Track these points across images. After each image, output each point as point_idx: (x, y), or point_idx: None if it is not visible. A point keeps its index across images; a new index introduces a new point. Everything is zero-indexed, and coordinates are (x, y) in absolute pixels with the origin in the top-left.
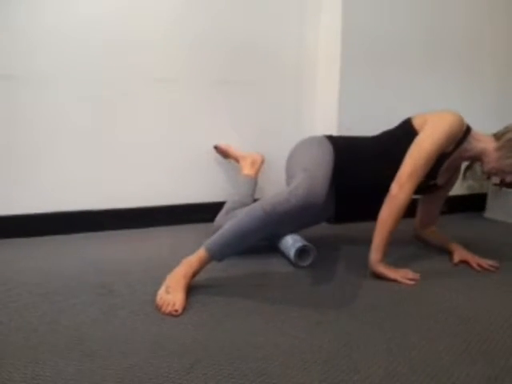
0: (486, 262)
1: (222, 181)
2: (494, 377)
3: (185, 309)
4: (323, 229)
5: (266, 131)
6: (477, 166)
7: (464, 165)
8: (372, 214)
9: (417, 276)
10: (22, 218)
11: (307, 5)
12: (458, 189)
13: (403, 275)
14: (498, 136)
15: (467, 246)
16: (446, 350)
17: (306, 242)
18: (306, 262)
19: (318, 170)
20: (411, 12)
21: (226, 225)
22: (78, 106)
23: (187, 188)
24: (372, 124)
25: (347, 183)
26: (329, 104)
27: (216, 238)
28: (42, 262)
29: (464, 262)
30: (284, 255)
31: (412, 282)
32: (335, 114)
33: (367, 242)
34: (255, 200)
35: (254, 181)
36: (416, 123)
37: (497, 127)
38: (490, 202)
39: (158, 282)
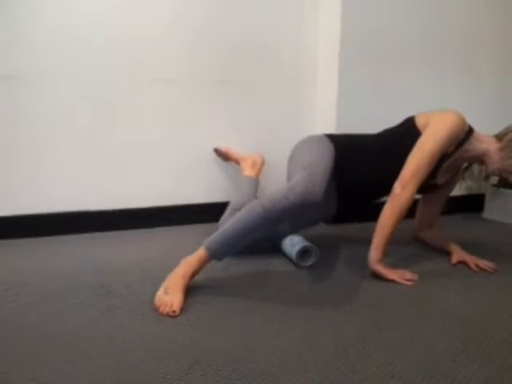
0: (484, 263)
1: (222, 181)
2: (491, 377)
3: (183, 309)
4: (323, 229)
5: (265, 131)
6: (475, 167)
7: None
8: (373, 213)
9: (415, 277)
10: (20, 218)
11: (306, 4)
12: (457, 189)
13: (401, 276)
14: (499, 137)
15: (465, 246)
16: (444, 351)
17: (308, 243)
18: (308, 263)
19: (317, 168)
20: (410, 11)
21: (225, 224)
22: (78, 105)
23: (187, 188)
24: (371, 123)
25: (349, 181)
26: (328, 103)
27: (215, 236)
28: (41, 263)
29: (462, 263)
30: (286, 255)
31: (410, 283)
32: (334, 113)
33: (367, 242)
34: None
35: (255, 181)
36: (419, 122)
37: (495, 126)
38: (488, 203)
39: (157, 282)
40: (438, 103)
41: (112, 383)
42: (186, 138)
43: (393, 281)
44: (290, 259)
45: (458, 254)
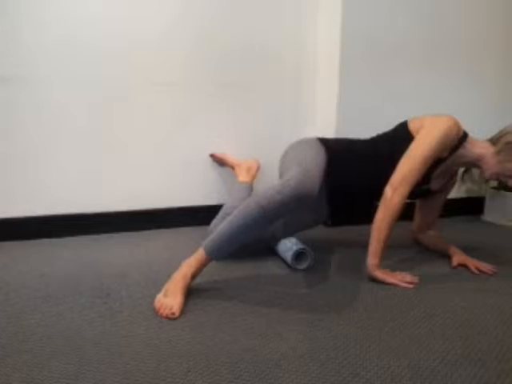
0: (485, 266)
1: (222, 184)
2: (491, 381)
3: (183, 312)
4: (321, 231)
5: (265, 133)
6: (475, 170)
7: (461, 169)
8: (366, 217)
9: (415, 279)
10: (19, 221)
11: (306, 5)
12: (456, 192)
13: (401, 279)
14: (493, 141)
15: (465, 249)
16: (443, 353)
17: (303, 246)
18: (303, 265)
19: (311, 165)
20: (410, 11)
21: (222, 224)
22: (77, 108)
23: (187, 191)
24: (372, 124)
25: (340, 185)
26: (328, 105)
27: (213, 236)
28: (40, 265)
29: (462, 266)
30: (281, 258)
31: (411, 286)
32: (334, 114)
33: (365, 244)
34: None
35: (249, 187)
36: (412, 127)
37: (497, 127)
38: (488, 205)
39: (157, 284)
40: (439, 104)
41: None
42: (186, 140)
43: (393, 284)
44: (286, 262)
45: (458, 257)
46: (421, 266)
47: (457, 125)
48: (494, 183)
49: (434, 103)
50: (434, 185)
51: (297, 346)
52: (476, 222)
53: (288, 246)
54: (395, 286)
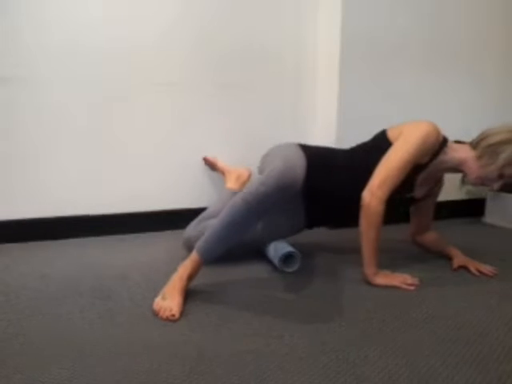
0: (485, 268)
1: (222, 185)
2: (493, 383)
3: (184, 313)
4: (320, 234)
5: (264, 134)
6: None
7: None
8: (344, 224)
9: (416, 281)
10: (19, 222)
11: (306, 5)
12: (457, 194)
13: (402, 281)
14: (474, 145)
15: (466, 251)
16: (444, 355)
17: (291, 248)
18: (292, 268)
19: (293, 158)
20: (411, 11)
21: (213, 224)
22: (77, 109)
23: (187, 192)
24: (372, 125)
25: (317, 193)
26: (328, 105)
27: (204, 237)
28: (40, 267)
29: (463, 268)
30: (270, 262)
31: (411, 287)
32: (334, 115)
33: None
34: None
35: (235, 194)
36: (391, 135)
37: None
38: (488, 207)
39: (157, 286)
40: (439, 104)
41: None
42: (186, 140)
43: (394, 286)
44: (274, 265)
45: (458, 259)
46: (421, 268)
47: (436, 130)
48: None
49: (433, 103)
50: (418, 192)
51: (298, 348)
52: (477, 223)
53: (276, 249)
54: (396, 288)
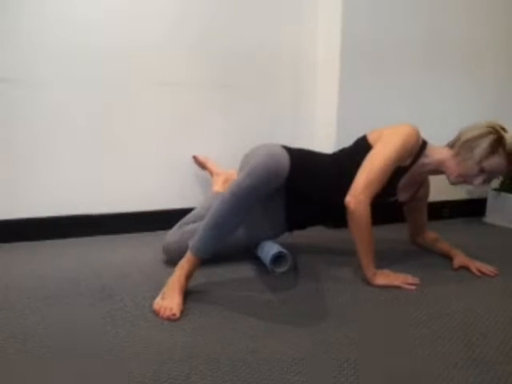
0: (486, 268)
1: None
2: (493, 382)
3: (183, 314)
4: (320, 233)
5: (265, 134)
6: None
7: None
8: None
9: (417, 280)
10: (20, 222)
11: (305, 7)
12: (458, 194)
13: (403, 280)
14: (451, 145)
15: (467, 251)
16: (445, 355)
17: (282, 249)
18: (282, 269)
19: (278, 151)
20: (410, 13)
21: (203, 222)
22: (77, 109)
23: (188, 191)
24: (372, 126)
25: (297, 195)
26: (328, 106)
27: (197, 235)
28: (41, 266)
29: (464, 267)
30: (261, 262)
31: (412, 287)
32: (334, 116)
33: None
34: None
35: None
36: (371, 139)
37: None
38: (489, 207)
39: (157, 286)
40: (439, 105)
41: None
42: (186, 140)
43: (395, 286)
44: (265, 265)
45: (459, 259)
46: (422, 268)
47: (415, 132)
48: (496, 185)
49: (433, 104)
50: (402, 196)
51: (298, 348)
52: (478, 223)
53: (267, 250)
54: (397, 287)
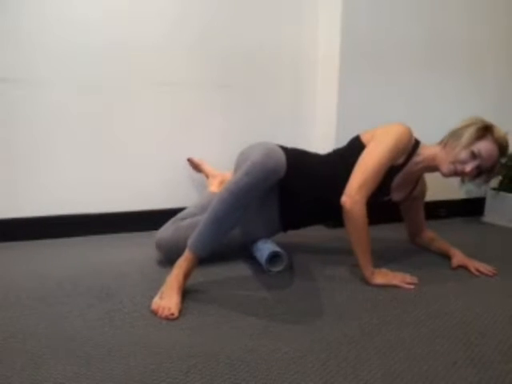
0: (485, 267)
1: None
2: (492, 381)
3: (182, 313)
4: (319, 232)
5: (264, 134)
6: None
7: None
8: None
9: (415, 280)
10: (18, 221)
11: (305, 6)
12: (457, 193)
13: (402, 279)
14: (441, 141)
15: (465, 250)
16: (444, 354)
17: (277, 248)
18: (278, 268)
19: (275, 147)
20: (411, 12)
21: (201, 220)
22: (77, 109)
23: (187, 191)
24: (372, 125)
25: (291, 195)
26: (328, 106)
27: (195, 234)
28: (39, 266)
29: (462, 267)
30: (257, 261)
31: (411, 286)
32: (334, 115)
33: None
34: None
35: None
36: (364, 139)
37: None
38: (488, 207)
39: (156, 285)
40: (439, 105)
41: None
42: (186, 140)
43: (394, 285)
44: (260, 264)
45: (458, 258)
46: (421, 267)
47: (408, 131)
48: (495, 184)
49: (433, 104)
50: (396, 196)
51: (297, 347)
52: (476, 223)
53: (262, 249)
54: (395, 286)
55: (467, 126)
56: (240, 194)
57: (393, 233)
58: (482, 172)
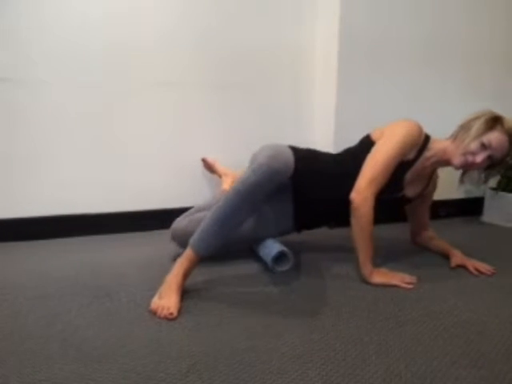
0: (484, 266)
1: (221, 184)
2: (491, 380)
3: (182, 312)
4: (318, 232)
5: (264, 134)
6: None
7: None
8: (332, 224)
9: (414, 279)
10: (18, 221)
11: (304, 7)
12: (455, 193)
13: (401, 279)
14: (451, 135)
15: (464, 250)
16: (443, 354)
17: (283, 248)
18: (284, 268)
19: (283, 149)
20: (410, 12)
21: (204, 220)
22: (77, 109)
23: (187, 191)
24: (370, 126)
25: (304, 195)
26: (327, 106)
27: (198, 232)
28: (39, 265)
29: (461, 266)
30: (261, 260)
31: (410, 286)
32: (333, 115)
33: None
34: None
35: None
36: (374, 136)
37: None
38: (487, 206)
39: (155, 285)
40: (437, 105)
41: None
42: (186, 140)
43: (393, 285)
44: (266, 264)
45: (457, 258)
46: (420, 267)
47: (417, 126)
48: (494, 184)
49: (432, 105)
50: (409, 191)
51: (296, 347)
52: (475, 222)
53: (268, 248)
54: (394, 286)
55: (476, 118)
56: (245, 193)
57: (391, 232)
58: (493, 163)
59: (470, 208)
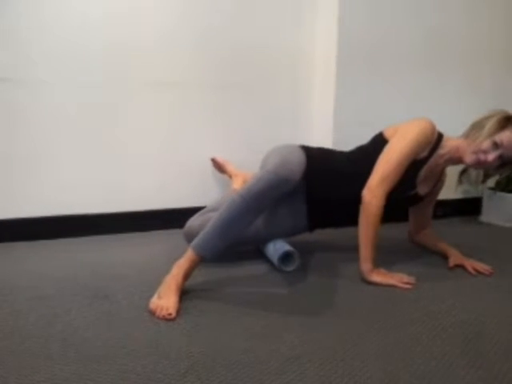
0: (482, 266)
1: (223, 184)
2: (489, 381)
3: (180, 313)
4: (320, 232)
5: (263, 135)
6: (472, 170)
7: (457, 169)
8: (346, 224)
9: (412, 279)
10: (18, 221)
11: (304, 8)
12: (454, 193)
13: (399, 279)
14: (463, 134)
15: (463, 250)
16: (442, 354)
17: (290, 248)
18: (290, 268)
19: (291, 155)
20: (409, 14)
21: (209, 222)
22: (77, 109)
23: (187, 191)
24: (369, 127)
25: (318, 195)
26: (325, 107)
27: (201, 235)
28: (38, 266)
29: (459, 266)
30: (269, 260)
31: (408, 286)
32: (331, 117)
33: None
34: None
35: None
36: (387, 134)
37: None
38: (485, 206)
39: (155, 286)
40: (437, 106)
41: None
42: (186, 141)
43: (391, 285)
44: (273, 264)
45: (455, 258)
46: (418, 267)
47: (431, 125)
48: (492, 184)
49: (431, 106)
50: (422, 189)
51: (295, 347)
52: (474, 222)
53: (275, 248)
54: (392, 286)
55: (489, 117)
56: (249, 198)
57: (390, 232)
58: (504, 162)
59: (468, 208)
